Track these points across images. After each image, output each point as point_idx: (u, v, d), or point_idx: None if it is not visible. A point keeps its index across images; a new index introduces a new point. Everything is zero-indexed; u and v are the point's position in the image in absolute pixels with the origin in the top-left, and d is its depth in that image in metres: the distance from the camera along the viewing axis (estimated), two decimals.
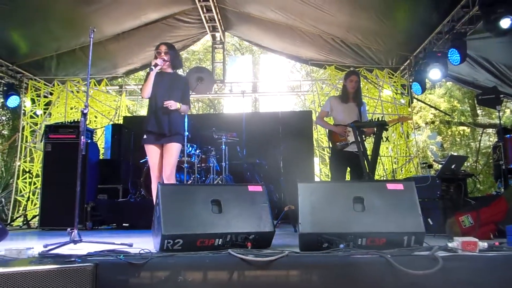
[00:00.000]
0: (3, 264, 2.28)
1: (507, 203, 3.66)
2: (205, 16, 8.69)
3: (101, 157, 7.78)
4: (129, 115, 11.19)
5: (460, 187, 4.63)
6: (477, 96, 6.61)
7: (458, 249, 2.48)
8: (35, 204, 8.54)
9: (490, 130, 15.15)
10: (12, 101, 8.39)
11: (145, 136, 4.43)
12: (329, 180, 6.58)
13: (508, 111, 14.86)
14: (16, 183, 8.87)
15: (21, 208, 8.79)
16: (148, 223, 3.23)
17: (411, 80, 8.54)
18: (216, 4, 8.43)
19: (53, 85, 9.35)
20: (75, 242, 3.10)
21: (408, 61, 8.60)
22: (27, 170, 8.97)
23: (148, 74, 4.34)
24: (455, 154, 14.73)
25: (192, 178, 6.61)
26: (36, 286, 2.00)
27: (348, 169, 5.24)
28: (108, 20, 7.85)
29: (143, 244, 3.11)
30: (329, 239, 2.67)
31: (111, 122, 9.23)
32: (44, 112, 9.38)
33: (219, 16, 8.89)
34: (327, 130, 5.74)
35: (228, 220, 2.86)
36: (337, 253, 2.49)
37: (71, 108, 9.45)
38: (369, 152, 5.23)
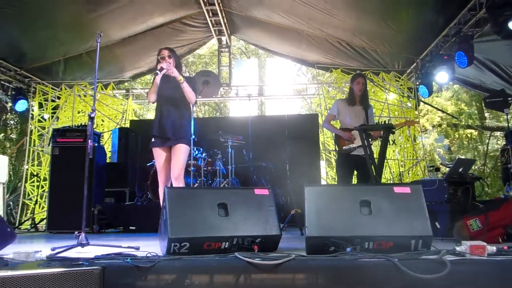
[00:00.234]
0: (12, 267, 2.30)
1: None
2: (211, 20, 8.73)
3: (108, 160, 7.81)
4: (136, 118, 11.22)
5: (468, 190, 4.59)
6: (485, 99, 6.56)
7: (466, 253, 2.46)
8: (42, 208, 8.59)
9: (498, 133, 15.04)
10: (20, 105, 8.48)
11: (152, 140, 4.45)
12: (336, 183, 6.56)
13: None
14: (24, 186, 8.93)
15: (29, 212, 8.84)
16: (155, 226, 3.24)
17: (417, 83, 8.50)
18: (222, 8, 8.46)
19: (61, 89, 9.42)
20: (82, 245, 3.12)
21: (415, 64, 8.57)
22: (35, 173, 9.03)
23: (154, 78, 4.35)
24: (463, 157, 14.62)
25: (198, 181, 6.62)
26: None
27: (355, 172, 5.23)
28: (115, 25, 7.91)
29: (150, 247, 3.11)
30: (336, 242, 2.66)
31: (118, 126, 9.27)
32: (52, 116, 9.45)
33: (225, 20, 8.92)
34: (333, 133, 5.73)
35: (235, 223, 2.86)
36: (344, 257, 2.48)
37: (78, 112, 9.51)
38: (376, 156, 5.21)
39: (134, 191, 7.27)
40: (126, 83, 10.49)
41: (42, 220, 7.51)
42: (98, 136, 7.11)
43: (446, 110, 14.99)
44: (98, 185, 6.55)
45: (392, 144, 8.94)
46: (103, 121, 9.79)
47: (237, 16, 8.88)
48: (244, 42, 14.94)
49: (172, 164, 4.38)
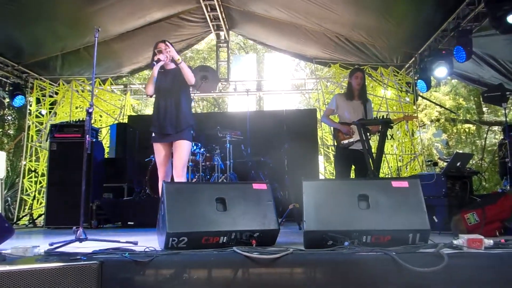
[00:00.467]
0: (10, 262, 2.30)
1: None
2: (209, 15, 8.70)
3: (106, 156, 7.81)
4: (134, 114, 11.23)
5: (465, 184, 4.61)
6: (483, 94, 6.57)
7: (463, 247, 2.47)
8: (40, 203, 8.58)
9: (495, 128, 15.07)
10: (18, 101, 8.46)
11: (153, 134, 4.39)
12: (334, 178, 6.57)
13: None
14: (22, 182, 8.93)
15: (27, 207, 8.84)
16: (153, 222, 3.23)
17: (416, 78, 8.50)
18: (220, 3, 8.44)
19: (58, 84, 9.40)
20: (80, 240, 3.12)
21: (413, 58, 8.57)
22: (33, 169, 9.02)
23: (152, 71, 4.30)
24: (461, 151, 14.64)
25: (196, 176, 6.63)
26: (42, 284, 2.01)
27: (353, 167, 5.23)
28: (113, 20, 7.88)
29: (148, 242, 3.11)
30: (334, 236, 2.67)
31: (116, 121, 9.26)
32: (50, 112, 9.43)
33: (223, 15, 8.89)
34: (332, 128, 5.72)
35: (233, 218, 2.86)
36: (341, 251, 2.48)
37: (76, 108, 9.50)
38: (374, 150, 5.21)
39: (132, 187, 7.27)
40: (124, 79, 10.47)
41: (40, 215, 7.51)
42: (96, 132, 7.10)
43: (444, 104, 15.01)
44: (96, 181, 6.55)
45: (390, 139, 8.95)
46: (101, 116, 9.77)
47: (235, 11, 8.86)
48: (243, 37, 14.90)
49: (174, 161, 4.32)
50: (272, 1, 7.86)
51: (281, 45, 9.92)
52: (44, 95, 9.33)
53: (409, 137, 9.17)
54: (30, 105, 9.23)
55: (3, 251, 2.53)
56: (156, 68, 4.23)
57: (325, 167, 9.66)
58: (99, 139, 7.85)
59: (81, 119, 6.92)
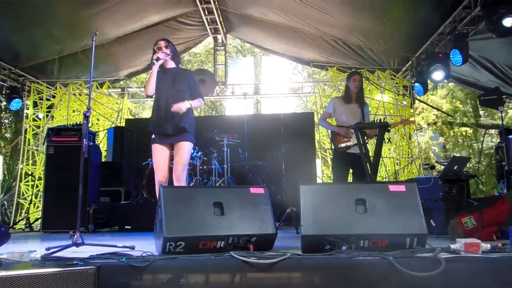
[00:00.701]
0: (6, 267, 2.28)
1: (510, 204, 3.64)
2: (206, 18, 8.71)
3: (103, 159, 7.79)
4: (131, 117, 11.19)
5: (462, 188, 4.62)
6: (480, 97, 6.60)
7: (460, 251, 2.47)
8: (37, 207, 8.56)
9: (492, 131, 15.11)
10: (15, 104, 8.44)
11: (153, 136, 4.26)
12: (331, 181, 6.57)
13: (510, 111, 14.81)
14: (19, 186, 8.90)
15: (23, 211, 8.80)
16: (150, 226, 3.23)
17: (413, 81, 8.53)
18: (217, 6, 8.45)
19: (56, 88, 9.38)
20: (77, 245, 3.11)
21: (410, 62, 8.60)
22: (30, 173, 8.99)
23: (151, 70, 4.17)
24: (458, 155, 14.69)
25: (194, 180, 6.61)
26: None
27: (351, 170, 5.24)
28: (110, 23, 7.88)
29: (145, 246, 3.11)
30: (331, 241, 2.67)
31: (113, 125, 9.24)
32: (47, 115, 9.41)
33: (220, 18, 8.90)
34: (329, 131, 5.72)
35: (230, 222, 2.86)
36: (339, 255, 2.48)
37: (73, 111, 9.47)
38: (371, 154, 5.22)
39: (130, 191, 7.25)
40: (121, 82, 10.45)
41: (36, 219, 7.49)
42: (93, 135, 7.09)
43: (441, 108, 15.05)
44: (93, 185, 6.53)
45: (388, 142, 8.97)
46: (98, 120, 9.76)
47: (232, 14, 8.87)
48: (240, 40, 14.94)
49: (174, 163, 4.20)
50: (270, 4, 7.88)
51: (279, 49, 9.94)
52: (41, 99, 9.31)
53: (406, 141, 9.19)
54: (27, 109, 9.21)
55: None
56: (156, 67, 4.11)
57: (323, 171, 9.66)
58: (96, 143, 7.84)
59: (78, 123, 6.91)
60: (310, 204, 2.81)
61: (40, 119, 9.35)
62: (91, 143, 6.46)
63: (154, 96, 4.31)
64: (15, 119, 14.53)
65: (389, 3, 6.80)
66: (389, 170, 9.11)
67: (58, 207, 6.03)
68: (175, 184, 4.18)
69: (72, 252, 2.96)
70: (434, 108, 14.55)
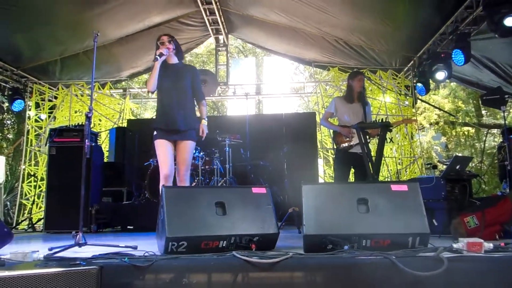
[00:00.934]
0: (9, 267, 2.29)
1: None
2: (208, 19, 8.71)
3: (105, 160, 7.80)
4: (133, 118, 11.22)
5: (465, 187, 4.60)
6: (482, 97, 6.59)
7: (463, 250, 2.47)
8: (40, 207, 8.57)
9: (495, 131, 15.09)
10: (17, 105, 8.46)
11: (155, 133, 4.14)
12: (333, 181, 6.57)
13: None
14: (21, 186, 8.92)
15: (26, 212, 8.82)
16: (153, 226, 3.23)
17: (415, 81, 8.52)
18: (219, 7, 8.45)
19: (58, 89, 9.40)
20: (80, 245, 3.12)
21: (412, 62, 8.58)
22: (32, 173, 9.00)
23: (153, 65, 4.08)
24: (460, 154, 14.66)
25: (196, 180, 6.62)
26: None
27: (353, 170, 5.23)
28: (112, 24, 7.88)
29: (147, 246, 3.11)
30: (334, 240, 2.67)
31: (115, 125, 9.25)
32: (49, 116, 9.42)
33: (222, 19, 8.90)
34: (331, 131, 5.71)
35: (233, 222, 2.86)
36: (341, 255, 2.48)
37: (76, 112, 9.49)
38: (373, 153, 5.22)
39: (132, 191, 7.26)
40: (123, 83, 10.46)
41: (39, 220, 7.50)
42: (95, 136, 7.10)
43: (443, 107, 15.02)
44: (96, 185, 6.54)
45: (390, 142, 8.95)
46: (100, 120, 9.77)
47: (234, 15, 8.87)
48: (242, 41, 14.94)
49: (178, 163, 4.14)
50: (271, 5, 7.87)
51: (280, 49, 9.93)
52: (43, 100, 9.33)
53: (409, 140, 9.18)
54: (29, 110, 9.23)
55: (2, 256, 2.52)
56: (159, 63, 4.03)
57: (325, 171, 9.66)
58: (99, 143, 7.85)
59: (80, 123, 6.91)
60: (312, 203, 2.82)
61: (42, 120, 9.36)
62: (93, 144, 6.46)
63: (156, 93, 4.23)
64: (17, 120, 14.56)
65: (391, 3, 6.78)
66: (391, 169, 9.10)
67: (60, 207, 6.04)
68: (179, 184, 4.14)
69: (74, 252, 2.97)
70: (436, 107, 14.53)
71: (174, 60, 4.28)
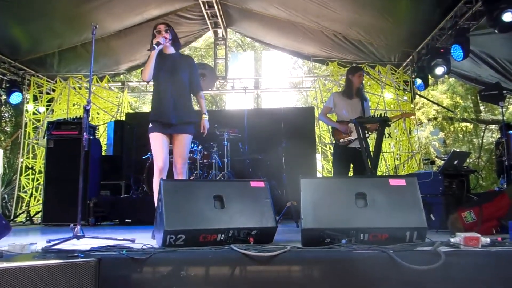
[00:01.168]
0: (7, 259, 2.29)
1: (509, 199, 3.65)
2: (207, 13, 8.67)
3: (103, 153, 7.79)
4: (131, 111, 11.19)
5: (462, 183, 4.62)
6: (480, 92, 6.57)
7: (460, 245, 2.47)
8: (38, 200, 8.58)
9: (493, 126, 15.11)
10: (15, 98, 8.41)
11: (150, 125, 3.98)
12: (331, 176, 6.57)
13: (511, 107, 14.81)
14: (19, 179, 8.91)
15: (24, 204, 8.82)
16: (151, 219, 3.24)
17: (413, 76, 8.51)
18: (218, 0, 8.41)
19: (56, 81, 9.37)
20: (78, 237, 3.12)
21: (411, 57, 8.58)
22: (30, 166, 9.00)
23: (149, 55, 3.91)
24: (458, 150, 14.69)
25: (194, 174, 6.62)
26: (39, 281, 2.01)
27: (351, 165, 5.23)
28: (110, 17, 7.85)
29: (145, 239, 3.12)
30: (331, 234, 2.67)
31: (114, 119, 9.24)
32: (47, 109, 9.40)
33: (221, 12, 8.87)
34: (329, 126, 5.71)
35: (231, 215, 2.86)
36: (339, 249, 2.49)
37: (74, 105, 9.47)
38: (371, 148, 5.23)
39: (130, 184, 7.26)
40: (121, 76, 10.44)
41: (37, 213, 7.51)
42: (93, 129, 7.09)
43: (442, 103, 15.03)
44: (94, 178, 6.54)
45: (388, 137, 8.96)
46: (98, 113, 9.75)
47: (233, 8, 8.84)
48: (240, 34, 14.89)
49: (175, 157, 4.02)
50: None
51: (279, 43, 9.91)
52: (41, 92, 9.30)
53: (407, 136, 9.19)
54: (27, 102, 9.20)
55: (0, 248, 2.53)
56: (155, 53, 3.86)
57: (323, 165, 9.67)
58: (97, 137, 7.84)
59: (78, 117, 6.89)
60: (311, 197, 2.82)
61: (40, 112, 9.34)
62: (91, 137, 6.43)
63: (152, 84, 4.11)
64: (15, 112, 14.52)
65: None
66: (389, 165, 9.12)
67: (58, 200, 6.05)
68: (176, 178, 4.03)
69: (72, 245, 2.97)
70: (434, 103, 14.53)
71: (170, 50, 4.11)
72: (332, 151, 6.17)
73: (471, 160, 11.85)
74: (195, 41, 11.73)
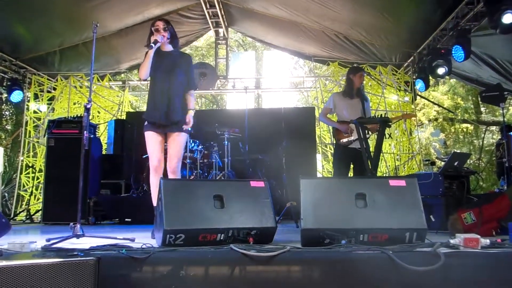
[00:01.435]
0: (6, 257, 2.30)
1: (509, 200, 3.65)
2: (208, 12, 8.67)
3: (103, 152, 7.79)
4: (132, 110, 11.20)
5: (462, 184, 4.62)
6: (481, 93, 6.58)
7: (460, 246, 2.47)
8: (38, 199, 8.58)
9: (493, 128, 15.11)
10: (16, 96, 8.41)
11: (146, 123, 3.94)
12: (332, 176, 6.57)
13: None
14: (19, 178, 8.91)
15: (24, 203, 8.82)
16: (151, 218, 3.24)
17: (414, 77, 8.50)
18: (219, 0, 8.41)
19: (56, 80, 9.37)
20: (77, 236, 3.12)
21: (412, 57, 8.57)
22: (30, 165, 9.00)
23: (146, 52, 3.85)
24: (458, 151, 14.67)
25: (194, 173, 6.62)
26: (39, 280, 2.00)
27: (352, 165, 5.23)
28: (111, 15, 7.85)
29: (145, 239, 3.12)
30: (331, 235, 2.67)
31: (114, 118, 9.24)
32: (48, 107, 9.40)
33: (222, 11, 8.87)
34: (330, 127, 5.70)
35: (231, 215, 2.86)
36: (338, 249, 2.49)
37: (74, 103, 9.47)
38: (372, 149, 5.22)
39: (130, 183, 7.25)
40: (122, 75, 10.44)
41: (37, 211, 7.51)
42: (94, 128, 7.09)
43: (443, 104, 15.03)
44: (94, 177, 6.55)
45: (388, 138, 8.96)
46: (99, 112, 9.75)
47: (234, 8, 8.84)
48: (241, 34, 14.88)
49: (169, 156, 3.95)
50: None
51: (280, 43, 9.91)
52: (42, 91, 9.29)
53: (407, 136, 9.19)
54: (28, 101, 9.20)
55: (0, 247, 2.53)
56: (153, 51, 3.80)
57: (323, 166, 9.67)
58: (97, 135, 7.84)
59: (79, 115, 6.89)
60: (310, 198, 2.82)
61: (41, 111, 9.34)
62: (91, 136, 6.46)
63: (149, 81, 4.05)
64: (16, 111, 14.52)
65: None
66: (389, 165, 9.12)
67: (58, 199, 6.06)
68: (170, 177, 3.94)
69: (72, 244, 2.98)
70: (435, 104, 14.53)
71: (168, 48, 4.05)
72: (332, 151, 6.16)
73: (471, 161, 11.83)
74: (196, 40, 11.73)
